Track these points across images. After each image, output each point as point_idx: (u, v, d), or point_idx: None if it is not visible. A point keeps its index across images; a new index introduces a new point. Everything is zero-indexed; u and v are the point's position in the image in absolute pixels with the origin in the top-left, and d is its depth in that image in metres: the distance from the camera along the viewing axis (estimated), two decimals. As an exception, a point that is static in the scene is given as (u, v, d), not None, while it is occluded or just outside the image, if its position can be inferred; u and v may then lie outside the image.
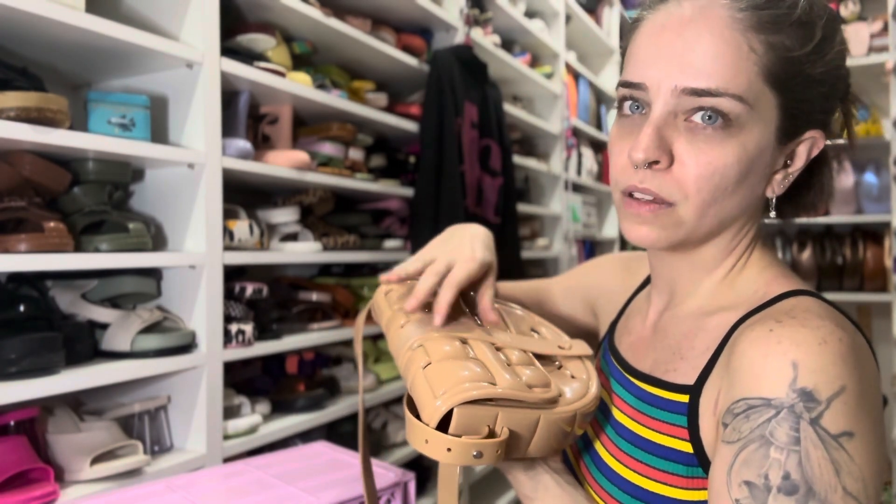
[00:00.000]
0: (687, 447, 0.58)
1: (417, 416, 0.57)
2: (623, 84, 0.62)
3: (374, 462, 1.00)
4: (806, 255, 3.17)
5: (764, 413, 0.51)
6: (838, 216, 3.12)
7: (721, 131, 0.56)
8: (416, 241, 1.91)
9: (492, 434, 0.56)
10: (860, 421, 0.50)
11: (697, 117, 0.56)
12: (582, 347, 0.70)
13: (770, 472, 0.49)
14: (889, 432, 2.86)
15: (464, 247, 0.72)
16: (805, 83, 0.56)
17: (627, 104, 0.62)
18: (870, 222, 3.12)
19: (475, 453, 0.54)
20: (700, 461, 0.57)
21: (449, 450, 0.54)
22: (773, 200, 0.61)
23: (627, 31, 0.65)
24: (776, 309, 0.57)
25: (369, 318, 0.79)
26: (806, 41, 0.56)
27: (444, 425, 0.55)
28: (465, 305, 0.74)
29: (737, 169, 0.56)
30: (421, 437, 0.56)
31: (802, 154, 0.60)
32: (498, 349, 0.65)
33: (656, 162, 0.57)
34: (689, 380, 0.60)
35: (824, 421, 0.49)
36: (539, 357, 0.67)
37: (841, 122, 0.64)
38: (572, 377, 0.66)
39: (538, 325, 0.75)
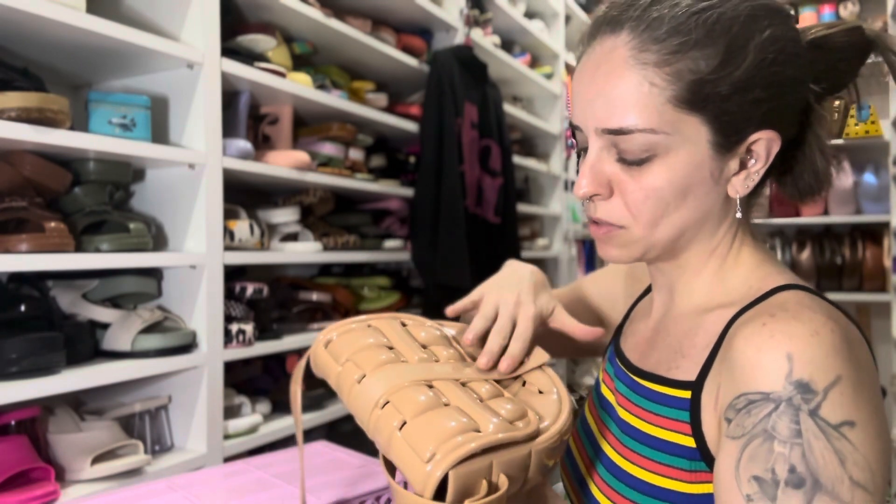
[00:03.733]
0: (690, 442, 0.59)
1: (400, 480, 0.53)
2: (570, 125, 0.67)
3: (374, 462, 1.00)
4: (805, 255, 3.17)
5: (764, 407, 0.52)
6: (837, 216, 3.12)
7: (645, 161, 0.60)
8: (416, 241, 1.91)
9: (491, 486, 0.52)
10: (859, 410, 0.51)
11: (622, 153, 0.61)
12: (539, 356, 0.69)
13: (776, 466, 0.50)
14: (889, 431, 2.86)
15: (524, 297, 0.72)
16: (724, 96, 0.58)
17: (576, 144, 0.67)
18: (869, 222, 3.12)
19: None
20: (703, 455, 0.58)
21: None
22: (738, 200, 0.63)
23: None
24: (769, 303, 0.58)
25: (308, 373, 0.69)
26: (710, 59, 0.57)
27: (439, 490, 0.51)
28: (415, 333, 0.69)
29: (669, 189, 0.60)
30: None
31: (761, 153, 0.61)
32: (464, 384, 0.62)
33: (598, 195, 0.62)
34: (691, 376, 0.61)
35: (823, 411, 0.50)
36: (500, 381, 0.65)
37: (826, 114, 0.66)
38: (540, 392, 0.64)
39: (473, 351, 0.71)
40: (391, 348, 0.64)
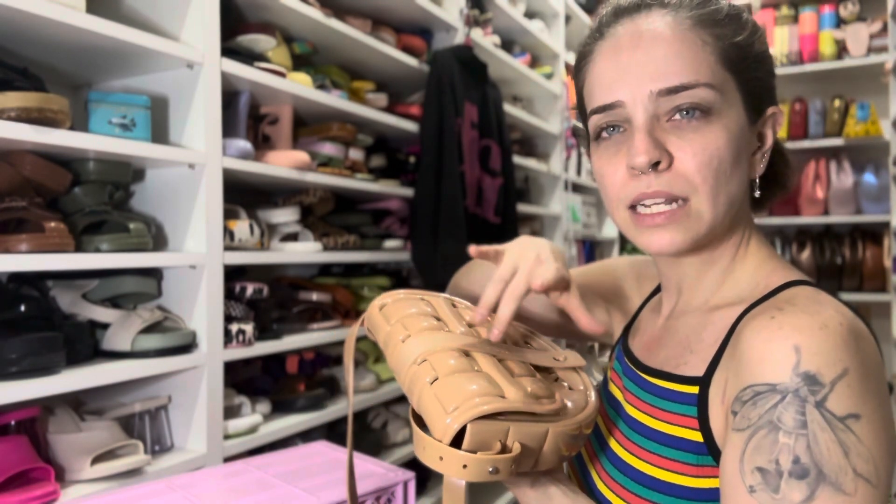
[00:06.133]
0: (697, 436, 0.59)
1: (425, 431, 0.57)
2: (597, 111, 0.65)
3: (374, 462, 1.00)
4: (805, 255, 3.17)
5: (770, 399, 0.52)
6: (837, 216, 3.12)
7: (703, 120, 0.60)
8: (416, 241, 1.91)
9: (504, 449, 0.56)
10: (866, 403, 0.51)
11: (678, 115, 0.60)
12: (576, 359, 0.71)
13: (780, 456, 0.50)
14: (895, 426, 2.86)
15: (546, 258, 0.69)
16: (753, 63, 0.63)
17: (605, 131, 0.65)
18: (869, 222, 3.12)
19: (491, 469, 0.54)
20: (710, 449, 0.58)
21: (465, 466, 0.54)
22: (757, 181, 0.65)
23: (580, 68, 0.69)
24: (778, 298, 0.59)
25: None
26: (741, 29, 0.63)
27: (455, 441, 0.55)
28: (464, 317, 0.72)
29: (728, 150, 0.60)
30: (434, 455, 0.55)
31: (769, 132, 0.65)
32: (500, 361, 0.65)
33: (658, 163, 0.60)
34: (699, 372, 0.62)
35: (829, 403, 0.50)
36: (537, 369, 0.68)
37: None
38: (570, 388, 0.66)
39: (529, 336, 0.75)
40: (438, 319, 0.69)
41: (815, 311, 0.54)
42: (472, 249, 0.75)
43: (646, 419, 0.65)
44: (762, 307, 0.59)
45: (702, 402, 0.60)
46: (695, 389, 0.61)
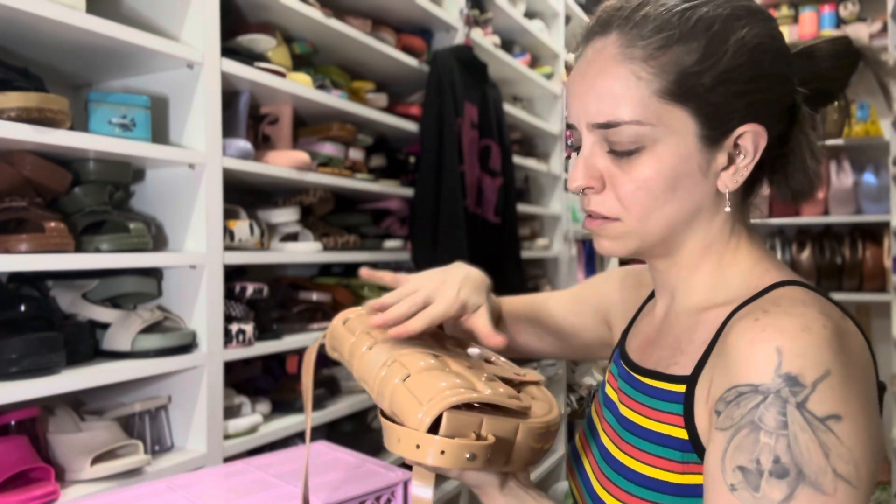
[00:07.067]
0: (682, 434, 0.61)
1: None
2: (567, 126, 0.71)
3: (374, 462, 1.00)
4: (805, 254, 3.17)
5: (752, 399, 0.53)
6: (837, 216, 3.12)
7: (634, 152, 0.62)
8: (416, 241, 1.91)
9: (479, 438, 0.56)
10: (848, 404, 0.51)
11: (613, 146, 0.63)
12: (534, 375, 0.73)
13: (761, 456, 0.51)
14: (888, 431, 2.86)
15: (449, 287, 0.74)
16: (707, 88, 0.60)
17: (571, 143, 0.69)
18: (869, 222, 3.12)
19: (468, 455, 0.54)
20: (694, 447, 0.59)
21: (442, 452, 0.54)
22: (728, 195, 0.64)
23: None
24: (764, 299, 0.60)
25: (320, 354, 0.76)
26: (693, 53, 0.60)
27: (431, 433, 0.55)
28: (438, 341, 0.74)
29: (658, 180, 0.62)
30: (410, 444, 0.54)
31: (749, 147, 0.63)
32: (469, 368, 0.66)
33: (591, 188, 0.65)
34: (687, 371, 0.63)
35: (810, 404, 0.51)
36: (501, 380, 0.69)
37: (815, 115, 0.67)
38: (534, 398, 0.68)
39: (489, 355, 0.76)
40: None
41: (800, 312, 0.55)
42: (362, 270, 0.80)
43: (637, 418, 0.66)
44: (749, 308, 0.60)
45: (688, 400, 0.61)
46: (682, 388, 0.62)
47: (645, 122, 0.61)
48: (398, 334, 0.68)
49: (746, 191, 0.68)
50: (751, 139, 0.62)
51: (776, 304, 0.57)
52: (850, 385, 0.52)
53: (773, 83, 0.63)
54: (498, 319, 0.94)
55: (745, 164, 0.63)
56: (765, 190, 0.70)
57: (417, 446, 0.54)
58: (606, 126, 0.62)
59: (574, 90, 0.65)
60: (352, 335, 0.70)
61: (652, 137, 0.61)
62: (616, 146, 0.62)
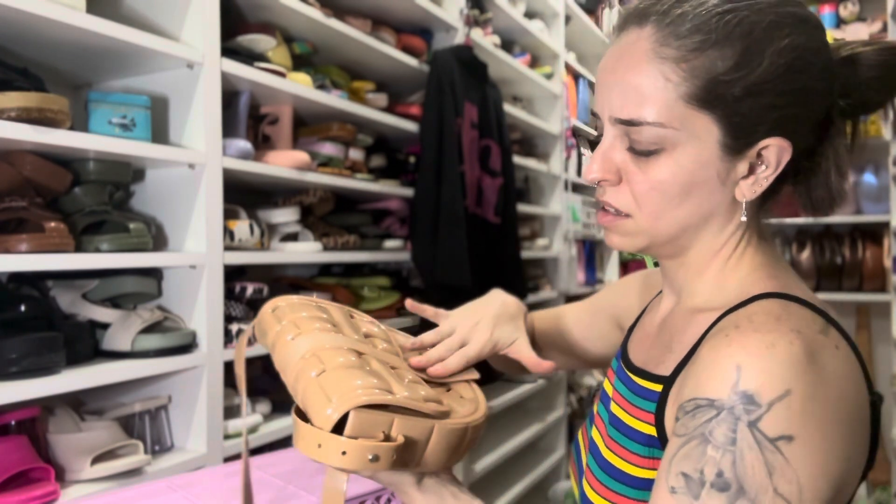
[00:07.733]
0: (651, 430, 0.62)
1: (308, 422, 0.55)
2: (591, 113, 0.70)
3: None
4: (805, 255, 3.17)
5: (707, 413, 0.53)
6: (837, 216, 3.12)
7: (653, 153, 0.61)
8: (416, 241, 1.91)
9: (388, 439, 0.55)
10: (804, 425, 0.51)
11: (633, 143, 0.62)
12: (470, 372, 0.75)
13: (706, 468, 0.52)
14: (888, 432, 2.86)
15: (482, 328, 0.79)
16: (737, 98, 0.58)
17: (595, 131, 0.69)
18: (869, 222, 3.12)
19: (371, 457, 0.53)
20: (662, 444, 0.61)
21: (344, 453, 0.52)
22: (745, 204, 0.63)
23: None
24: (741, 313, 0.59)
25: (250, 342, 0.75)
26: (727, 60, 0.58)
27: (337, 431, 0.53)
28: (381, 335, 0.74)
29: (673, 184, 0.61)
30: (312, 442, 0.53)
31: (771, 160, 0.61)
32: (393, 368, 0.66)
33: (606, 180, 0.64)
34: (669, 371, 0.64)
35: (763, 424, 0.51)
36: (428, 381, 0.70)
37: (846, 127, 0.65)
38: (461, 397, 0.68)
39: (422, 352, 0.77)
40: (334, 325, 0.68)
41: (770, 329, 0.54)
42: (407, 302, 0.84)
43: (621, 414, 0.67)
44: (726, 321, 0.60)
45: (662, 400, 0.62)
46: (659, 387, 0.63)
47: (668, 126, 0.60)
48: (438, 374, 0.72)
49: (763, 198, 0.66)
50: (775, 152, 0.61)
51: (749, 319, 0.57)
52: (811, 405, 0.51)
53: (808, 98, 0.60)
54: (532, 339, 0.94)
55: (766, 176, 0.62)
56: (779, 195, 0.69)
57: (319, 445, 0.53)
58: (629, 123, 0.61)
59: (603, 79, 0.64)
60: (278, 324, 0.67)
61: (673, 141, 0.60)
62: (636, 144, 0.62)
